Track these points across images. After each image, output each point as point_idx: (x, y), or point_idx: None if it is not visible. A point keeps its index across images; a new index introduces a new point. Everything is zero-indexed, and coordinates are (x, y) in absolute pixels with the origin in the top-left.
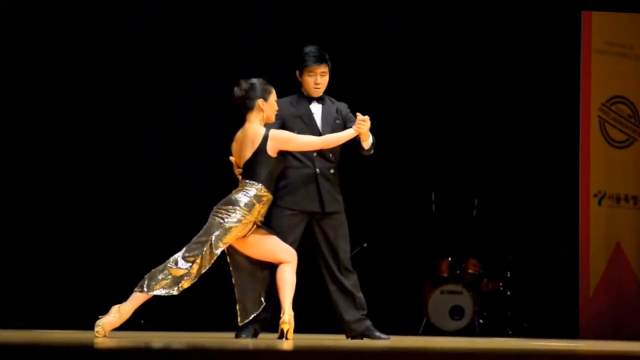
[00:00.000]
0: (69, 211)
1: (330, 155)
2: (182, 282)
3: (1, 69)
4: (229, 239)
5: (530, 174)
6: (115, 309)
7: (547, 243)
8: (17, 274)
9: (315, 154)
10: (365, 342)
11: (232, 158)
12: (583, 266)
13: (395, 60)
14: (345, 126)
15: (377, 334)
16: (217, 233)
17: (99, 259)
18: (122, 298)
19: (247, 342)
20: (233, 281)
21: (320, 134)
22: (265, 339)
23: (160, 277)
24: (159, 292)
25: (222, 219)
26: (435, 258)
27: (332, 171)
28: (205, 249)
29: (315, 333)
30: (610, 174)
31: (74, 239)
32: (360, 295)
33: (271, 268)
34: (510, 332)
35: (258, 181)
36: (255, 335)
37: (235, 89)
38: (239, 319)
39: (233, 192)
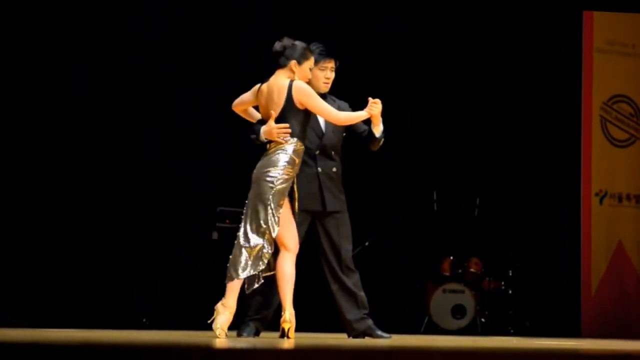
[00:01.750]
0: (70, 211)
1: (333, 153)
2: (263, 254)
3: (1, 69)
4: (283, 199)
5: (532, 173)
6: (220, 307)
7: (548, 242)
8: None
9: (317, 152)
10: (367, 341)
11: (273, 116)
12: (585, 265)
13: (395, 60)
14: (347, 125)
15: (379, 332)
16: (271, 198)
17: (98, 258)
18: (122, 295)
19: (248, 340)
20: None
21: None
22: (267, 338)
23: (242, 260)
24: (248, 272)
25: (272, 182)
26: (437, 257)
27: (334, 169)
28: (268, 217)
29: (317, 332)
30: (611, 173)
31: (74, 238)
32: (362, 294)
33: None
34: (512, 331)
35: (292, 136)
36: (256, 334)
37: (277, 43)
38: (245, 286)
39: (270, 152)
